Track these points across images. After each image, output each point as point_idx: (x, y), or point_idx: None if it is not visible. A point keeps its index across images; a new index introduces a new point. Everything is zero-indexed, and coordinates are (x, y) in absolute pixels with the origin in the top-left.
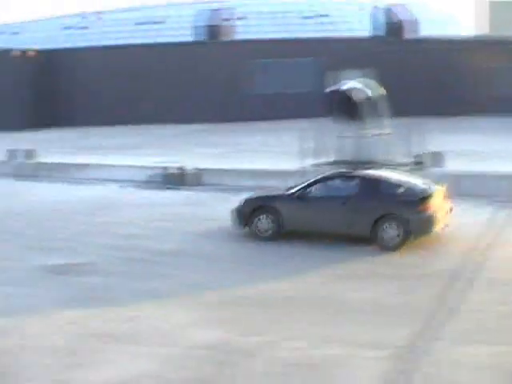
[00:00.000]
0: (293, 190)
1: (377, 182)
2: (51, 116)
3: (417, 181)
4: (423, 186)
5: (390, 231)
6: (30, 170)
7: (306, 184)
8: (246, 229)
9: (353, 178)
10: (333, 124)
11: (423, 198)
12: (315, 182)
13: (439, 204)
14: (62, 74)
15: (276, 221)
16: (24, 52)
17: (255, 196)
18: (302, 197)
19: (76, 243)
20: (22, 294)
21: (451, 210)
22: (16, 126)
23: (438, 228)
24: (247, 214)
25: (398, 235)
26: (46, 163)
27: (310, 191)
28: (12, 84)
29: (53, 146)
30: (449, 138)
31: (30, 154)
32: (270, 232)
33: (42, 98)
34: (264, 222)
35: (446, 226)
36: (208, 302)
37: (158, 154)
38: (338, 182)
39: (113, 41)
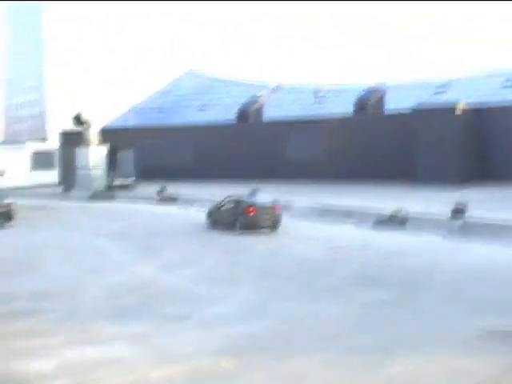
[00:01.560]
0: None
1: (240, 201)
2: (478, 172)
3: (265, 199)
4: (258, 201)
5: (238, 223)
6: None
7: (221, 203)
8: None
9: (234, 200)
10: None
11: (249, 207)
12: (223, 202)
13: (265, 212)
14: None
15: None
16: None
17: (209, 209)
18: (219, 208)
19: None
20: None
21: (279, 217)
22: (450, 182)
23: (264, 225)
24: (207, 215)
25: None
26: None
27: (222, 206)
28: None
29: (483, 203)
30: None
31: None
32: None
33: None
34: (210, 220)
35: (274, 225)
36: None
37: None
38: (230, 202)
39: None
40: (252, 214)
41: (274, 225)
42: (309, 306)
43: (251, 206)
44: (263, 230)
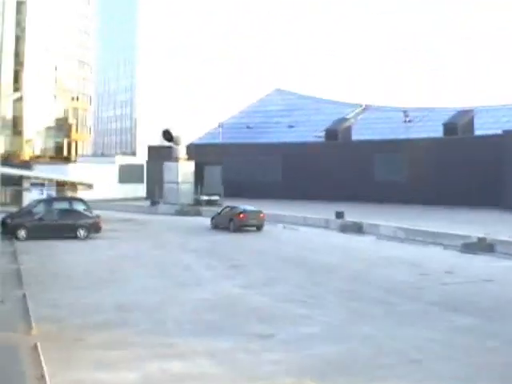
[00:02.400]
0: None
1: (233, 208)
2: None
3: (252, 208)
4: (248, 208)
5: (232, 224)
6: None
7: (221, 210)
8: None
9: (229, 208)
10: None
11: (240, 212)
12: (223, 209)
13: (251, 216)
14: None
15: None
16: None
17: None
18: (219, 214)
19: None
20: None
21: (263, 221)
22: None
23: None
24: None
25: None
26: None
27: (221, 212)
28: None
29: None
30: None
31: None
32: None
33: None
34: (213, 223)
35: (259, 227)
36: None
37: None
38: (226, 209)
39: None
40: (242, 216)
41: (259, 226)
42: (391, 329)
43: (242, 212)
44: (251, 228)
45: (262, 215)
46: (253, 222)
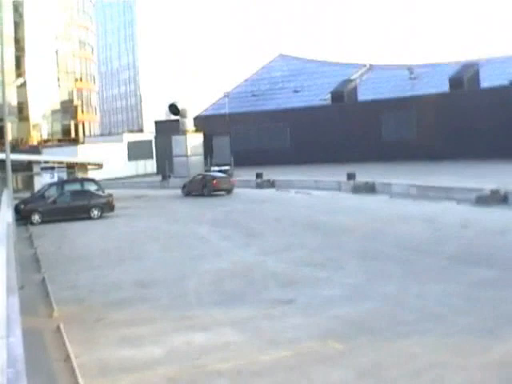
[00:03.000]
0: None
1: (205, 175)
2: None
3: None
4: (218, 175)
5: (206, 190)
6: None
7: (192, 178)
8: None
9: (201, 175)
10: None
11: (213, 179)
12: (194, 177)
13: (223, 181)
14: None
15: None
16: None
17: (183, 183)
18: (191, 182)
19: None
20: None
21: (233, 185)
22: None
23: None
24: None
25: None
26: None
27: (193, 180)
28: None
29: None
30: None
31: None
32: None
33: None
34: (185, 191)
35: (229, 191)
36: None
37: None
38: (198, 176)
39: None
40: (215, 182)
41: (229, 190)
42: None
43: (214, 178)
44: (222, 192)
45: (231, 180)
46: (224, 186)
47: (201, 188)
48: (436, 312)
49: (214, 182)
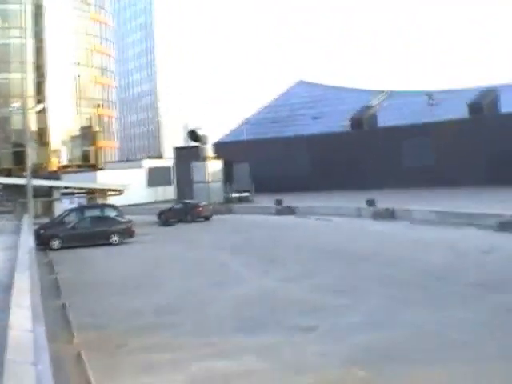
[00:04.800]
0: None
1: (187, 203)
2: None
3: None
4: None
5: (189, 216)
6: None
7: (171, 207)
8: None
9: (181, 203)
10: None
11: (198, 206)
12: (173, 206)
13: (205, 209)
14: None
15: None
16: None
17: (159, 211)
18: (170, 210)
19: None
20: None
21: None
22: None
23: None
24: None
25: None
26: None
27: (172, 208)
28: None
29: None
30: None
31: None
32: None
33: None
34: (161, 218)
35: (209, 217)
36: None
37: None
38: (178, 204)
39: None
40: (201, 209)
41: (208, 217)
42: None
43: (199, 205)
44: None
45: (210, 207)
46: (206, 213)
47: (183, 215)
48: (459, 339)
49: (200, 208)
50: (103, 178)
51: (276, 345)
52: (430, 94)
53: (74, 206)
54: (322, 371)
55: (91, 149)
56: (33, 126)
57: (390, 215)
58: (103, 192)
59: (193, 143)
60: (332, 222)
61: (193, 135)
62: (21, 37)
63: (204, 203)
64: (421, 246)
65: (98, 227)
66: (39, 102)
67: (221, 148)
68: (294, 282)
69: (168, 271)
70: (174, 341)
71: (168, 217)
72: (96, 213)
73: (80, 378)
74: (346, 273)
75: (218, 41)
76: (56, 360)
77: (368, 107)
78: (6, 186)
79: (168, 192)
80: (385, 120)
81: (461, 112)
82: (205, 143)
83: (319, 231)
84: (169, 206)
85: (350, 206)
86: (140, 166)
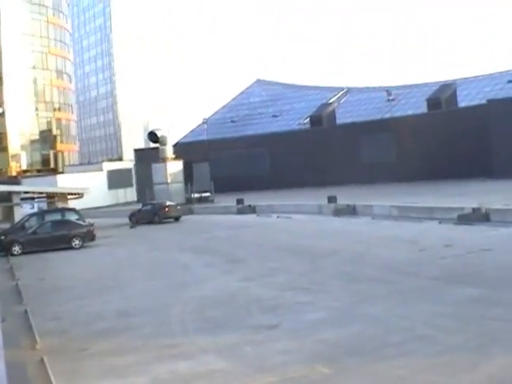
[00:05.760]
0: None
1: (155, 204)
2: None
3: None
4: (168, 203)
5: (157, 217)
6: None
7: (140, 208)
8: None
9: (150, 204)
10: None
11: (165, 206)
12: (142, 207)
13: (173, 209)
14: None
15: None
16: None
17: (130, 213)
18: (139, 211)
19: None
20: None
21: (180, 212)
22: None
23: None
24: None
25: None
26: None
27: (141, 209)
28: None
29: None
30: None
31: None
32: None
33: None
34: (133, 220)
35: (178, 217)
36: None
37: None
38: (147, 206)
39: None
40: (167, 210)
41: (178, 217)
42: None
43: (167, 206)
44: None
45: (178, 208)
46: (174, 214)
47: (152, 216)
48: (422, 332)
49: (166, 209)
50: (63, 182)
51: (238, 344)
52: (388, 91)
53: (35, 210)
54: (285, 369)
55: (51, 152)
56: None
57: (351, 211)
58: (64, 196)
59: (153, 145)
60: (293, 220)
61: (152, 136)
62: None
63: (170, 203)
64: (382, 242)
65: (58, 231)
66: None
67: (181, 149)
68: (256, 281)
69: (130, 273)
70: (137, 343)
71: (138, 218)
72: (57, 217)
73: (43, 383)
74: (307, 270)
75: (175, 41)
76: (18, 366)
77: (327, 104)
78: None
79: (129, 194)
80: (344, 117)
81: (420, 107)
82: (164, 144)
83: (280, 229)
84: (138, 207)
85: (311, 203)
86: (100, 169)
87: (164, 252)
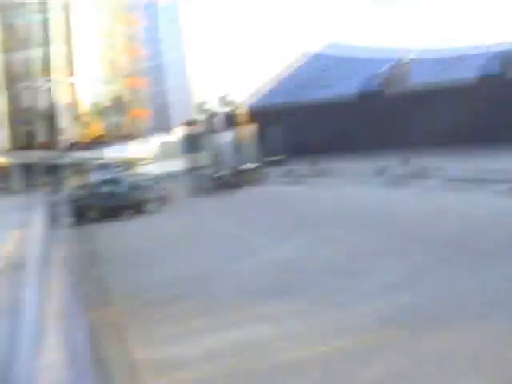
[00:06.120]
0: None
1: None
2: None
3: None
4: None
5: None
6: None
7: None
8: None
9: None
10: None
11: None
12: None
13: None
14: None
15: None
16: None
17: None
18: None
19: None
20: None
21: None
22: None
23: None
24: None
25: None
26: None
27: None
28: None
29: None
30: None
31: None
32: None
33: None
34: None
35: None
36: None
37: None
38: None
39: None
40: (245, 174)
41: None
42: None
43: (242, 169)
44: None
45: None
46: (252, 178)
47: (227, 181)
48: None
49: (245, 172)
50: (137, 148)
51: (316, 307)
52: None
53: (109, 177)
54: (364, 331)
55: (123, 119)
56: (65, 99)
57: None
58: (138, 162)
59: (224, 109)
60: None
61: (224, 101)
62: (44, 11)
63: (248, 165)
64: None
65: (132, 197)
66: (70, 74)
67: (252, 113)
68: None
69: (198, 240)
70: (214, 306)
71: (214, 184)
72: (130, 182)
73: (119, 345)
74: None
75: (246, 5)
76: (97, 329)
77: (396, 66)
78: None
79: (202, 159)
80: (411, 81)
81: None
82: (236, 108)
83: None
84: (211, 172)
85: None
86: (172, 134)
87: (231, 221)
